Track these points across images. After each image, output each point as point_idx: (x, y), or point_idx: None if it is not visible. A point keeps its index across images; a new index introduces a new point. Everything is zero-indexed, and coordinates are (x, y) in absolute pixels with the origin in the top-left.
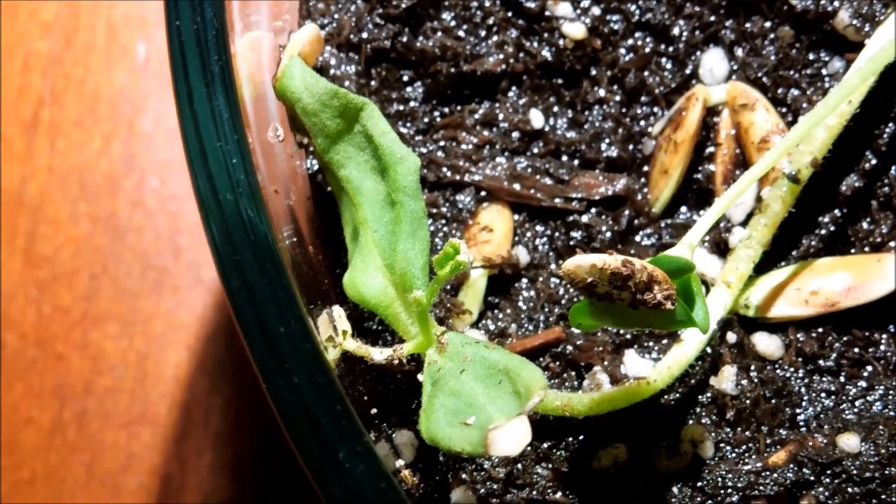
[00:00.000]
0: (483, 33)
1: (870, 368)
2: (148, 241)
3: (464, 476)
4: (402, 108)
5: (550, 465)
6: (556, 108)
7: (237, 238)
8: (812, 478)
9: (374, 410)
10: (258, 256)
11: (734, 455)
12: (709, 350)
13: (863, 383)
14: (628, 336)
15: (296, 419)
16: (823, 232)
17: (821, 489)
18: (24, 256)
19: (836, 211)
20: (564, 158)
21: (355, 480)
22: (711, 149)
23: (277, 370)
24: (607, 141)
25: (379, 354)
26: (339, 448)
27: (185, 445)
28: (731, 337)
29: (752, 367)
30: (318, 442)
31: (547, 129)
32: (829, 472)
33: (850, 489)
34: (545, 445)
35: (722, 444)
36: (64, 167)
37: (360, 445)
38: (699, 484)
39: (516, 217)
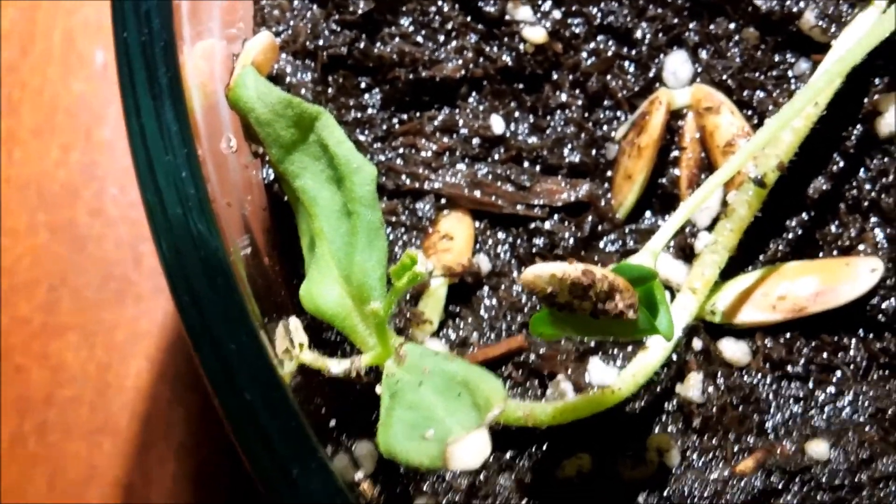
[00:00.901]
0: (442, 38)
1: (839, 374)
2: (108, 249)
3: (425, 487)
4: (359, 115)
5: (513, 475)
6: (517, 114)
7: (186, 253)
8: (780, 486)
9: (332, 422)
10: (208, 272)
11: (701, 463)
12: (674, 357)
13: (832, 389)
14: (592, 344)
15: (248, 436)
16: (791, 236)
17: (789, 497)
18: None
19: (804, 214)
20: (526, 164)
21: (309, 497)
22: (676, 153)
23: (229, 387)
24: (569, 146)
25: (336, 366)
26: (292, 465)
27: (148, 456)
28: (697, 344)
29: (719, 374)
30: (271, 458)
31: (508, 134)
32: (797, 479)
33: (819, 497)
34: (508, 455)
35: (688, 453)
36: (21, 177)
37: (314, 462)
38: (665, 493)
39: (477, 224)
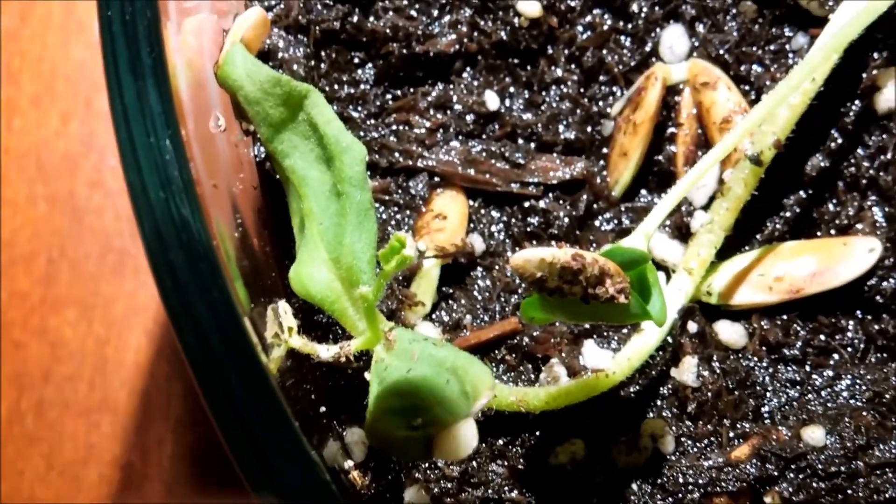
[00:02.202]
0: (436, 13)
1: (836, 357)
2: (107, 221)
3: (417, 475)
4: (353, 91)
5: (506, 463)
6: (511, 89)
7: (169, 238)
8: (776, 473)
9: (323, 408)
10: (191, 257)
11: (695, 450)
12: (670, 340)
13: (829, 372)
14: (587, 326)
15: (230, 426)
16: (788, 215)
17: (785, 485)
18: None
19: (801, 192)
20: (521, 141)
21: (292, 489)
22: (673, 129)
23: (211, 376)
24: (565, 123)
25: (325, 352)
26: (275, 457)
27: (147, 435)
28: (693, 326)
29: (715, 357)
30: (254, 450)
31: (503, 110)
32: (793, 466)
33: (815, 484)
34: (500, 442)
35: (683, 439)
36: (21, 147)
37: (297, 453)
38: (659, 480)
39: (471, 203)
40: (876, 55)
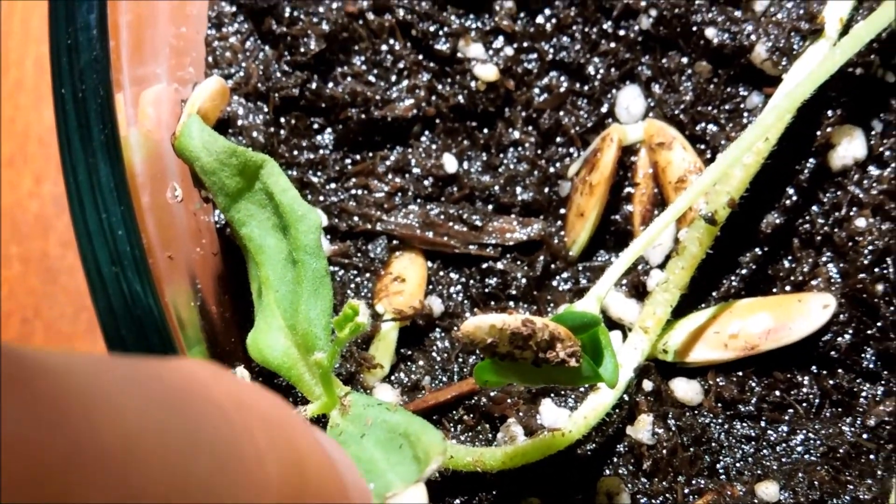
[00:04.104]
0: (394, 78)
1: (791, 412)
2: (81, 281)
3: None
4: (312, 156)
5: None
6: (469, 152)
7: (121, 313)
8: None
9: None
10: (143, 332)
11: None
12: (626, 398)
13: (784, 427)
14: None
15: None
16: (744, 272)
17: None
18: None
19: (757, 250)
20: (479, 203)
21: None
22: (629, 189)
23: None
24: (522, 184)
25: None
26: None
27: None
28: (648, 384)
29: (671, 414)
30: None
31: (461, 173)
32: None
33: None
34: (457, 502)
35: (638, 496)
36: None
37: None
38: None
39: (430, 265)
40: (830, 113)
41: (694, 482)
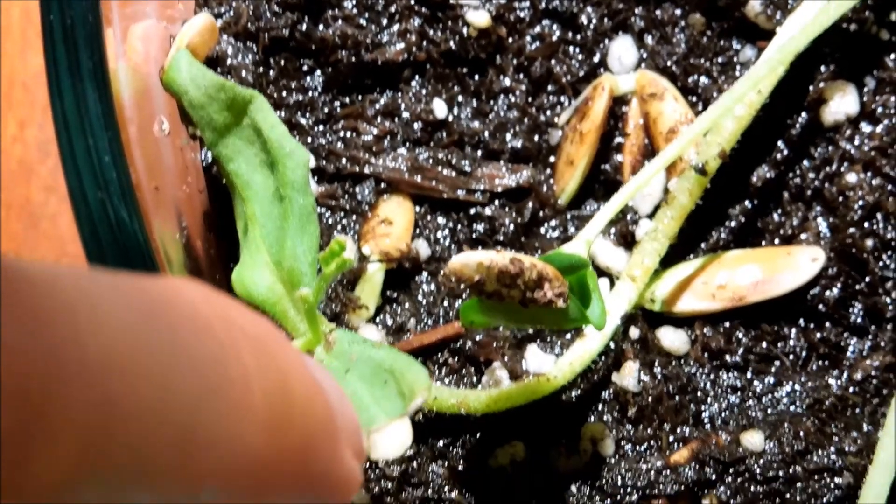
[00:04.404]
0: (385, 22)
1: (778, 364)
2: (63, 227)
3: None
4: (301, 97)
5: (446, 464)
6: (460, 98)
7: (106, 238)
8: (714, 477)
9: None
10: (128, 258)
11: (635, 453)
12: (612, 345)
13: (770, 379)
14: (531, 331)
15: None
16: (733, 224)
17: (723, 488)
18: None
19: (747, 202)
20: (468, 150)
21: None
22: (620, 139)
23: None
24: (512, 131)
25: None
26: None
27: None
28: (635, 332)
29: (657, 363)
30: None
31: (450, 119)
32: (731, 470)
33: (752, 488)
34: (441, 443)
35: (623, 442)
36: None
37: None
38: (598, 483)
39: (418, 209)
40: (823, 68)
41: (679, 430)
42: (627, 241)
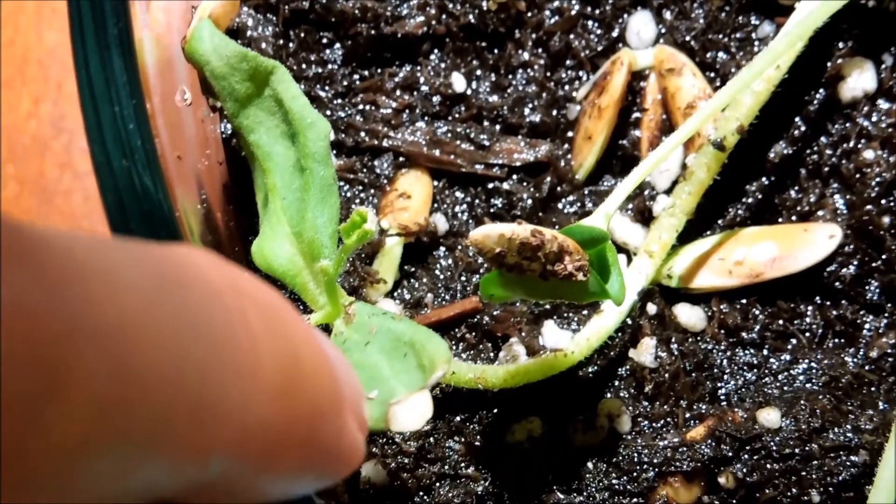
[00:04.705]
0: None
1: (794, 341)
2: (76, 203)
3: (374, 450)
4: (320, 70)
5: (463, 439)
6: (478, 72)
7: (130, 207)
8: (730, 454)
9: None
10: (152, 225)
11: (651, 430)
12: (629, 321)
13: (786, 356)
14: (548, 306)
15: None
16: (750, 200)
17: (739, 465)
18: None
19: (764, 179)
20: (486, 124)
21: None
22: (638, 114)
23: None
24: (530, 106)
25: None
26: None
27: None
28: (652, 308)
29: (673, 340)
30: None
31: (469, 93)
32: (748, 447)
33: (769, 465)
34: (458, 419)
35: (639, 419)
36: None
37: None
38: (615, 459)
39: (436, 183)
40: (841, 45)
41: (695, 407)
42: (645, 216)
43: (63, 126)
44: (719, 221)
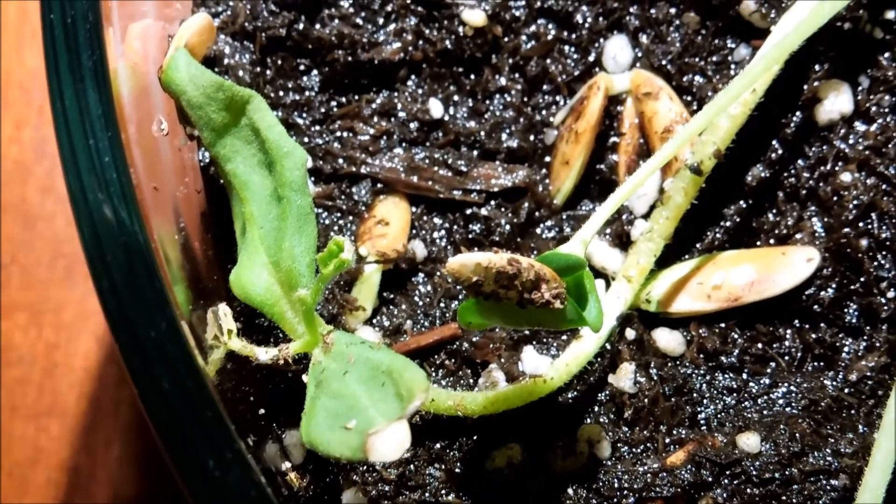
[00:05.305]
0: (381, 21)
1: (773, 365)
2: (59, 227)
3: (355, 477)
4: (298, 97)
5: (443, 466)
6: (455, 98)
7: (106, 239)
8: (710, 479)
9: (262, 410)
10: (128, 258)
11: (631, 455)
12: (608, 346)
13: (766, 380)
14: (527, 332)
15: (164, 425)
16: (728, 224)
17: (719, 490)
18: None
19: (741, 202)
20: (464, 149)
21: (225, 490)
22: (615, 139)
23: (146, 375)
24: (508, 131)
25: (264, 354)
26: (207, 456)
27: (94, 437)
28: (631, 333)
29: (653, 364)
30: (187, 450)
31: (446, 118)
32: (727, 472)
33: (749, 490)
34: (438, 446)
35: (619, 444)
36: None
37: (230, 453)
38: (595, 485)
39: (414, 209)
40: (817, 67)
41: (675, 432)
42: (623, 241)
43: (45, 151)
44: (697, 245)
